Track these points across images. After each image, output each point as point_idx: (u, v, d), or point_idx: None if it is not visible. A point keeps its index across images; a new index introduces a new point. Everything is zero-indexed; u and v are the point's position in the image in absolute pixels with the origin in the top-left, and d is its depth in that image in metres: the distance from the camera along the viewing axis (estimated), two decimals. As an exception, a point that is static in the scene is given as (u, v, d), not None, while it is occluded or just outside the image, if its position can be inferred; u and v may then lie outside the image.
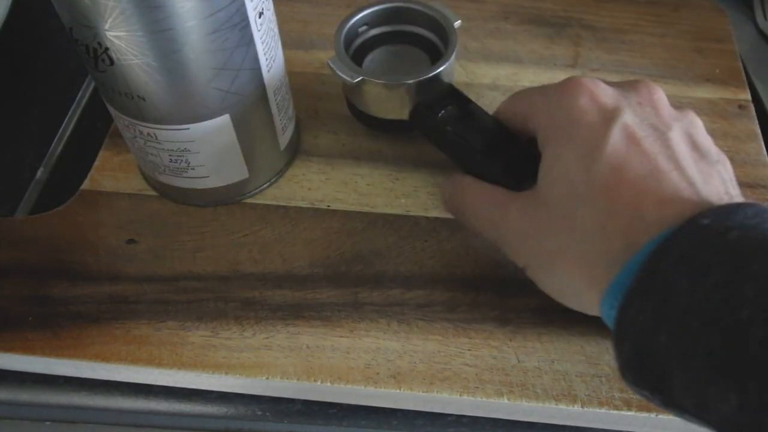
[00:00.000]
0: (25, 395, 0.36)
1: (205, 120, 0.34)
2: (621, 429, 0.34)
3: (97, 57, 0.31)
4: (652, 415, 0.33)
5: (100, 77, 0.33)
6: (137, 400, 0.36)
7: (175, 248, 0.38)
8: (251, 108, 0.35)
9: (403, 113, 0.41)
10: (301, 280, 0.37)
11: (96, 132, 0.45)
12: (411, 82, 0.39)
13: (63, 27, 0.31)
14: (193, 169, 0.37)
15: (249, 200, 0.40)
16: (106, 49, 0.30)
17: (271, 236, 0.39)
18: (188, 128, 0.34)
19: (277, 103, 0.37)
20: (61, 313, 0.36)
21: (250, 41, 0.32)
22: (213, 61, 0.32)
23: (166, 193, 0.40)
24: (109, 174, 0.42)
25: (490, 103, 0.46)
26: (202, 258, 0.38)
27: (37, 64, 0.47)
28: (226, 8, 0.30)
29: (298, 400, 0.36)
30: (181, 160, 0.36)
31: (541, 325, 0.36)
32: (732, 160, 0.43)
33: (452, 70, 0.41)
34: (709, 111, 0.46)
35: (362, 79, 0.39)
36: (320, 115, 0.45)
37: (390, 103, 0.40)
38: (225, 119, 0.34)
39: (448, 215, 0.40)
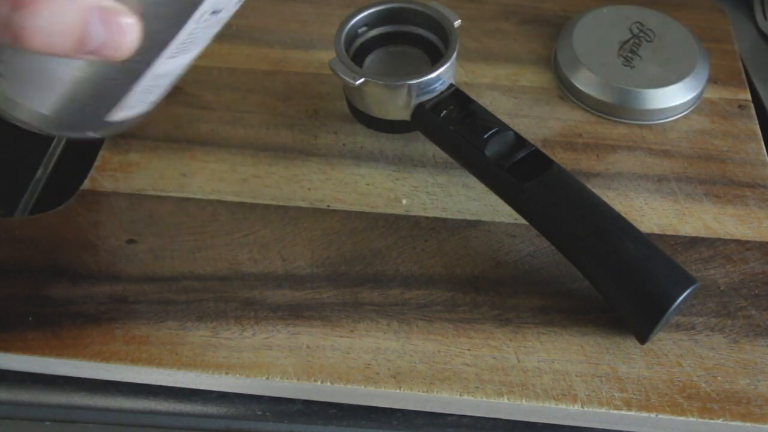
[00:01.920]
0: (25, 395, 0.36)
1: None
2: (621, 429, 0.34)
3: None
4: (652, 415, 0.33)
5: None
6: (137, 400, 0.36)
7: (175, 248, 0.38)
8: None
9: (403, 113, 0.41)
10: (301, 280, 0.37)
11: (96, 132, 0.45)
12: (412, 82, 0.39)
13: None
14: None
15: (249, 200, 0.40)
16: None
17: (271, 236, 0.39)
18: None
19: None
20: (61, 313, 0.36)
21: None
22: None
23: None
24: (109, 174, 0.42)
25: (490, 102, 0.46)
26: (202, 258, 0.38)
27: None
28: None
29: (298, 400, 0.36)
30: None
31: (541, 325, 0.36)
32: (732, 160, 0.43)
33: (453, 70, 0.41)
34: (709, 111, 0.46)
35: (364, 80, 0.39)
36: (320, 115, 0.45)
37: (391, 103, 0.40)
38: None
39: (448, 215, 0.40)
